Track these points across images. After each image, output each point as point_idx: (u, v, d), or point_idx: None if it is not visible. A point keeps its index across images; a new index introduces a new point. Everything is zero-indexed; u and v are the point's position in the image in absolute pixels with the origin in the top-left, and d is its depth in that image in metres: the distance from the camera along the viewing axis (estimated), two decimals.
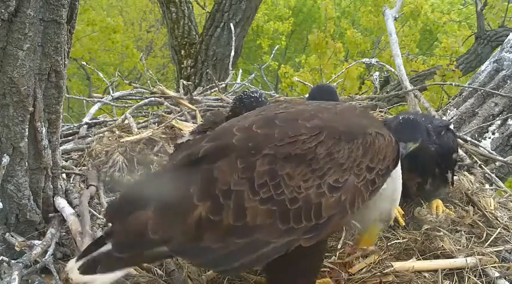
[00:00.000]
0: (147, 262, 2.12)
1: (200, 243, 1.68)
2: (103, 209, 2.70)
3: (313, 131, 1.77)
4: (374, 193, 1.86)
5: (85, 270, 1.75)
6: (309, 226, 1.71)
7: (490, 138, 3.95)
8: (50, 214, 2.52)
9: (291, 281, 1.94)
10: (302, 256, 1.79)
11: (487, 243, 2.54)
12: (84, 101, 5.63)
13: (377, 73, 6.28)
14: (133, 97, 5.06)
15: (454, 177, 3.14)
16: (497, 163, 3.63)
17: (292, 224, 1.69)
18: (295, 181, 1.70)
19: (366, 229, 2.20)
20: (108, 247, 1.77)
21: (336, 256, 2.43)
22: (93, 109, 4.51)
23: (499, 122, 3.97)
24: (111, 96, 4.85)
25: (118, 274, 1.78)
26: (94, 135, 3.77)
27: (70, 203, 2.57)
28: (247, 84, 6.06)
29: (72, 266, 1.79)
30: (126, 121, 4.01)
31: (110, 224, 1.86)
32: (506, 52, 4.22)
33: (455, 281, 2.28)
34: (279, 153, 1.71)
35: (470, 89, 4.22)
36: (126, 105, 4.95)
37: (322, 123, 1.82)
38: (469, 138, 3.80)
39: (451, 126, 3.12)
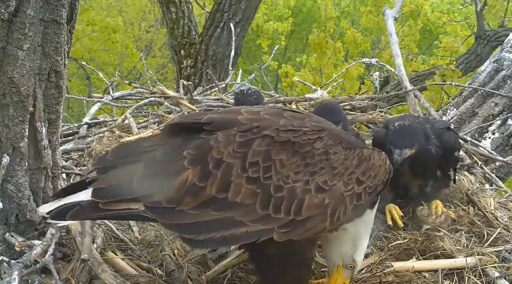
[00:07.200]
0: (117, 217, 2.10)
1: (177, 206, 1.68)
2: None
3: (316, 128, 1.83)
4: (357, 209, 1.86)
5: (55, 216, 1.76)
6: (286, 219, 1.71)
7: (490, 138, 3.95)
8: None
9: (281, 275, 1.92)
10: (283, 252, 1.81)
11: (487, 243, 2.54)
12: (84, 101, 5.62)
13: (377, 73, 6.26)
14: (133, 97, 5.05)
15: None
16: (497, 163, 3.63)
17: (270, 212, 1.70)
18: (286, 170, 1.72)
19: (332, 273, 2.11)
20: (82, 196, 1.76)
21: None
22: (93, 109, 4.50)
23: (499, 122, 3.97)
24: (111, 96, 4.83)
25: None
26: (94, 135, 3.77)
27: None
28: (247, 84, 6.04)
29: (44, 208, 1.81)
30: (126, 121, 4.00)
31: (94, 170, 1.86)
32: (506, 52, 4.21)
33: (455, 281, 2.28)
34: (278, 136, 1.74)
35: (470, 89, 4.21)
36: (126, 105, 4.94)
37: (325, 126, 1.90)
38: (469, 138, 3.80)
39: (451, 126, 3.12)
